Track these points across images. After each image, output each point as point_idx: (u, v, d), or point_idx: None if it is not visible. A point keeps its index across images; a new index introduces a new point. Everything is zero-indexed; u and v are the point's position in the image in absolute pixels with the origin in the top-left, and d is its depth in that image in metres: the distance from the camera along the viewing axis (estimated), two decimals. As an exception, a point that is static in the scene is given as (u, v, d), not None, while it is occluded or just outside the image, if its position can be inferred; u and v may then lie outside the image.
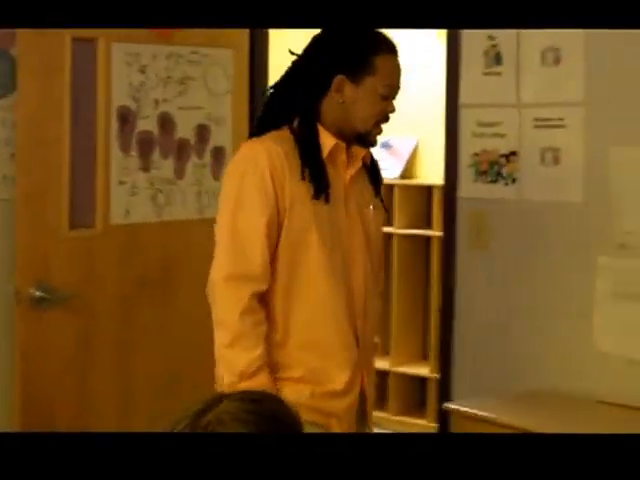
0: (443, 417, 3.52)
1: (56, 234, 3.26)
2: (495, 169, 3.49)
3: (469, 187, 3.56)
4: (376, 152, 5.73)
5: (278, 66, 4.37)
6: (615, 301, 3.18)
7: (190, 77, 3.59)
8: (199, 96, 3.63)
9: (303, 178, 2.48)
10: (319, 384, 2.52)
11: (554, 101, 3.34)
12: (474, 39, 3.50)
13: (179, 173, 3.60)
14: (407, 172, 5.39)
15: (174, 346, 3.57)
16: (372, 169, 2.71)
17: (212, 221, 3.75)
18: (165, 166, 3.56)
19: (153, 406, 3.50)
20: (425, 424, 5.24)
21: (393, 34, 2.59)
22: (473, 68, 3.53)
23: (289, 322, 2.52)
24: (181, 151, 3.60)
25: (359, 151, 2.62)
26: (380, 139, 6.03)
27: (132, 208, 3.46)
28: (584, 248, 3.26)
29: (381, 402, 5.34)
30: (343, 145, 2.57)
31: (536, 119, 3.38)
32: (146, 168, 3.50)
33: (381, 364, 5.28)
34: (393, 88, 2.57)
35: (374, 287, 2.68)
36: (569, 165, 3.31)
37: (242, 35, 3.74)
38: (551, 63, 3.33)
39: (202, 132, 3.65)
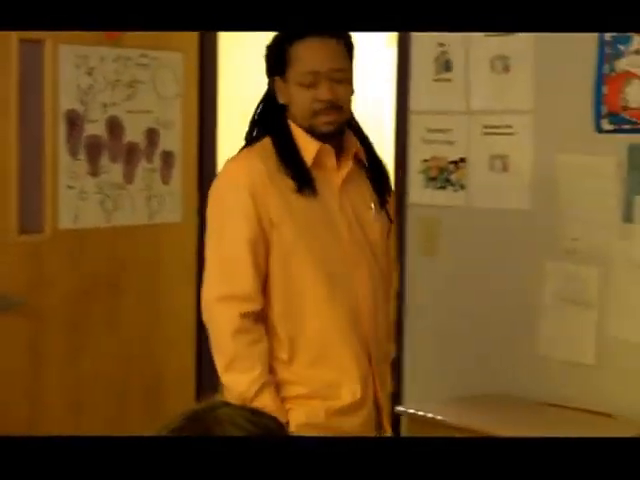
0: (395, 421, 3.54)
1: (4, 239, 3.22)
2: (444, 175, 3.52)
3: (419, 193, 3.58)
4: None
5: (228, 69, 4.37)
6: (562, 306, 3.23)
7: (139, 80, 3.57)
8: (148, 100, 3.61)
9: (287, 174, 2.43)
10: (331, 399, 2.45)
11: (503, 108, 3.37)
12: (424, 46, 3.52)
13: (128, 178, 3.58)
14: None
15: (123, 350, 3.55)
16: (374, 170, 2.59)
17: (161, 226, 3.75)
18: (114, 170, 3.53)
19: (104, 410, 3.49)
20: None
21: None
22: (423, 75, 3.55)
23: (294, 340, 2.44)
24: (130, 155, 3.58)
25: (349, 150, 2.52)
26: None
27: (81, 213, 3.43)
28: (532, 254, 3.30)
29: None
30: (329, 148, 2.48)
31: (485, 126, 3.41)
32: (95, 173, 3.47)
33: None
34: (316, 73, 2.41)
35: (385, 292, 2.59)
36: (517, 172, 3.34)
37: (191, 38, 3.73)
38: (500, 71, 3.37)
39: (151, 136, 3.63)
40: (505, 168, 3.37)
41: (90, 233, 3.45)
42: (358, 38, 4.53)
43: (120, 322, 3.54)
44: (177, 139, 3.70)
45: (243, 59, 5.58)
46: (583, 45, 3.18)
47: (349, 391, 2.46)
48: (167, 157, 3.68)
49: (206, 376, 3.80)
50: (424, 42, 3.52)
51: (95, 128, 3.46)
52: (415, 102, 3.58)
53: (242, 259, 2.41)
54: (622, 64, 3.22)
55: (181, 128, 3.70)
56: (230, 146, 4.40)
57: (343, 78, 2.46)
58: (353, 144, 2.55)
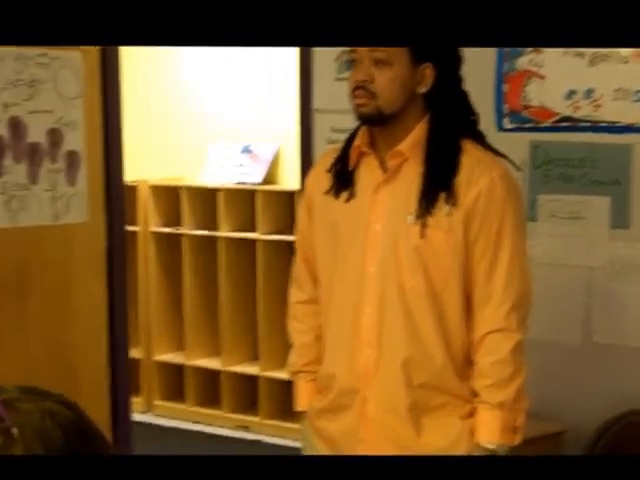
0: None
1: None
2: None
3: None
4: (237, 158, 5.66)
5: (130, 68, 4.33)
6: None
7: (39, 80, 3.52)
8: (49, 99, 3.55)
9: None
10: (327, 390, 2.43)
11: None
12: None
13: (32, 178, 3.53)
14: (269, 177, 5.41)
15: (30, 352, 3.50)
16: (429, 174, 2.30)
17: (68, 227, 3.69)
18: (18, 171, 3.48)
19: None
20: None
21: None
22: (325, 74, 3.56)
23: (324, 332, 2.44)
24: (33, 156, 3.53)
25: (392, 153, 2.34)
26: (241, 144, 5.97)
27: (-15, 214, 3.38)
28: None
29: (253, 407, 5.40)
30: (362, 148, 2.35)
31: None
32: (-2, 173, 3.43)
33: (252, 369, 5.36)
34: (355, 52, 2.32)
35: (421, 310, 2.29)
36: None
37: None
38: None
39: (54, 136, 3.58)
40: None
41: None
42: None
43: (26, 323, 3.49)
44: (81, 139, 3.65)
45: (146, 59, 5.55)
46: (482, 44, 3.21)
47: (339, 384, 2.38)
48: (71, 158, 3.64)
49: (119, 377, 3.77)
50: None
51: (-4, 128, 3.41)
52: (319, 101, 3.59)
53: (298, 247, 2.51)
54: (522, 63, 3.27)
55: (85, 128, 3.66)
56: (135, 145, 4.39)
57: (382, 60, 2.28)
58: (409, 140, 2.32)
